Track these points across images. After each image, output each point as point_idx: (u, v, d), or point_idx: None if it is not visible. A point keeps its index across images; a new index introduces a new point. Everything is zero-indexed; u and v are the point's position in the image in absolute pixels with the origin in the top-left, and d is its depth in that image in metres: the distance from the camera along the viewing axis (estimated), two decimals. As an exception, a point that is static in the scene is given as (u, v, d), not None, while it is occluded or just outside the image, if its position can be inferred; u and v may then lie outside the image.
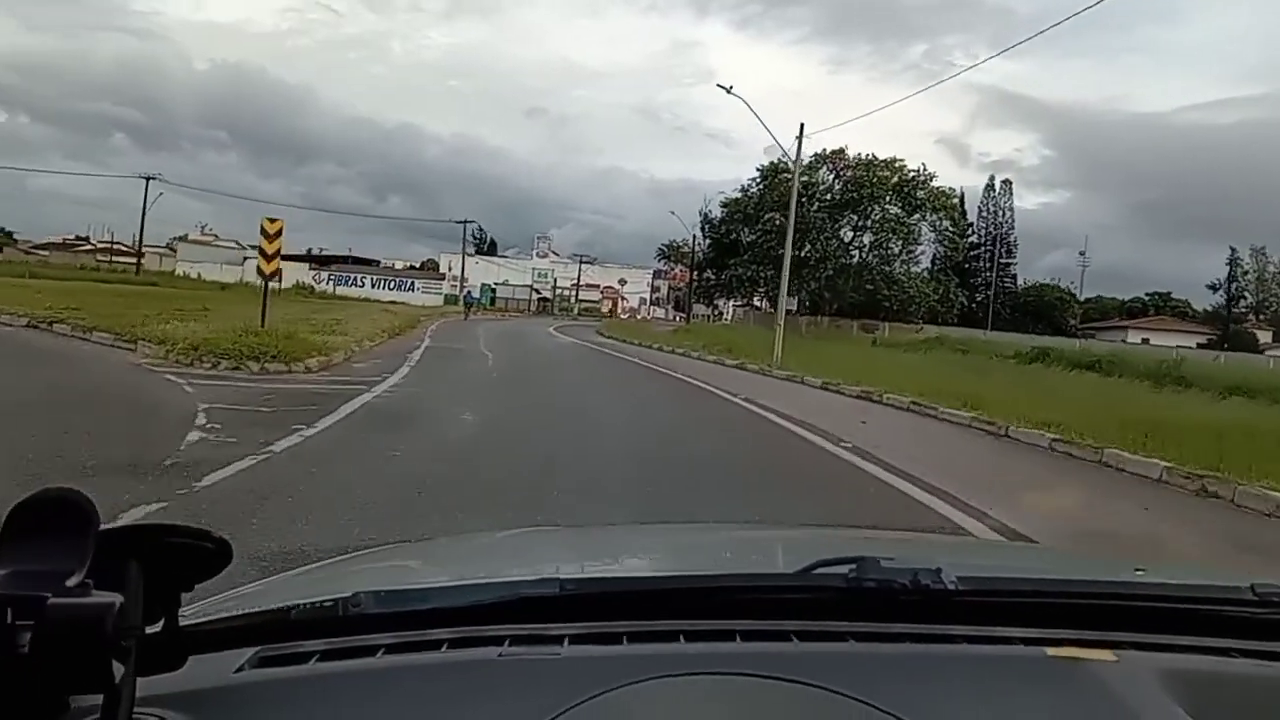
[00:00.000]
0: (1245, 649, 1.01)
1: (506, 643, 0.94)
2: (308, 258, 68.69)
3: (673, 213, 73.40)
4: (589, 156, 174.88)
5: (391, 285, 65.46)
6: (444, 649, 0.94)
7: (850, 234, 55.33)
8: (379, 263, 71.98)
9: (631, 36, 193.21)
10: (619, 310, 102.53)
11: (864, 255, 55.48)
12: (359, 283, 65.77)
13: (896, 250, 54.28)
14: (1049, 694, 0.91)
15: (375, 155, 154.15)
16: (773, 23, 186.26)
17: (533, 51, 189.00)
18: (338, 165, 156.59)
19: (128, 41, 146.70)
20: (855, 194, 53.76)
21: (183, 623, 0.88)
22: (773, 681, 0.86)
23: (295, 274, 64.28)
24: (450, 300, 63.88)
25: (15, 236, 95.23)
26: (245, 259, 67.02)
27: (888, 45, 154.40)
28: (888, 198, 53.01)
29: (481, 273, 78.36)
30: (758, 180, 56.70)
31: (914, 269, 55.88)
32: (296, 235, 72.29)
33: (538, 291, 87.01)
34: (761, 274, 54.97)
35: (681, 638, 0.96)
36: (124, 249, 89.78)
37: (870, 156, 54.09)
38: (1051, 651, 0.97)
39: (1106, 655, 0.96)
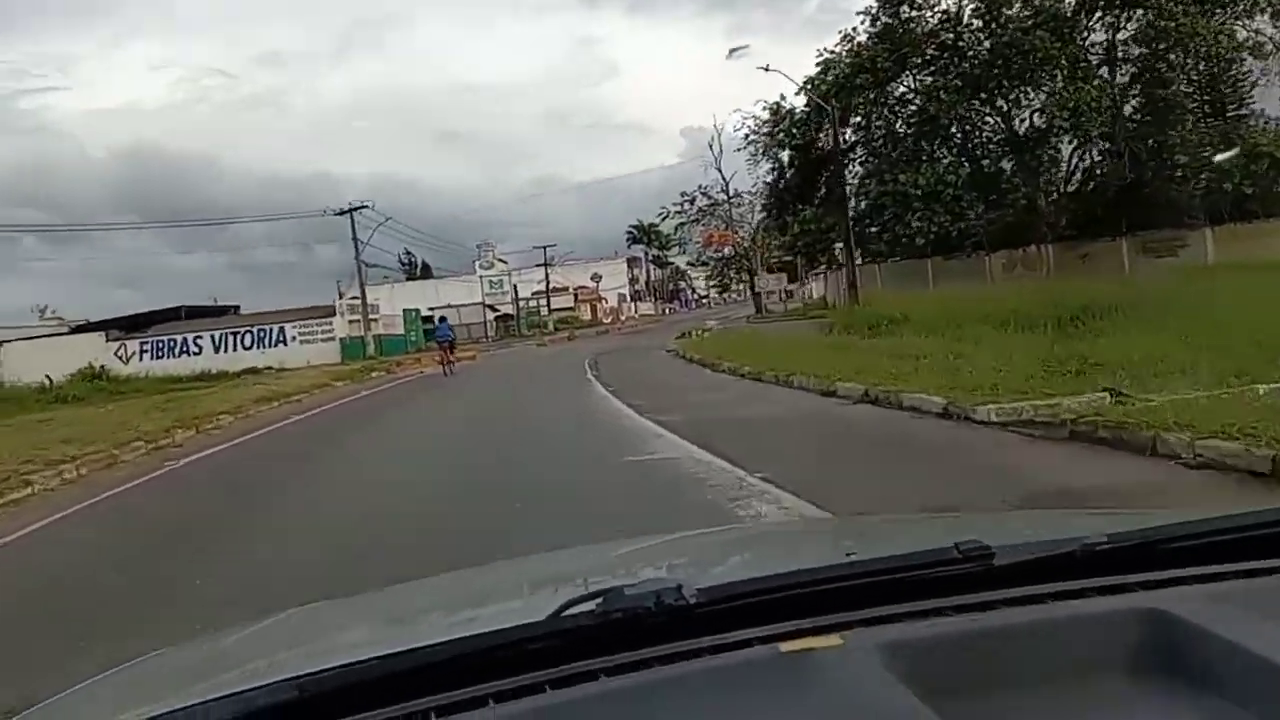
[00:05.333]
0: (958, 604, 1.04)
1: None
2: (105, 324, 40.97)
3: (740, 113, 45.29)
4: (508, 172, 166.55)
5: (248, 342, 38.01)
6: None
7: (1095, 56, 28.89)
8: (235, 309, 44.46)
9: (529, 44, 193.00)
10: (599, 313, 76.49)
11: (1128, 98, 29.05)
12: (191, 348, 38.19)
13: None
14: (785, 690, 0.93)
15: (295, 209, 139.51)
16: (664, 1, 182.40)
17: (432, 78, 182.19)
18: (259, 226, 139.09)
19: (17, 141, 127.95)
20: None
21: None
22: None
23: (87, 353, 36.76)
24: (352, 350, 36.57)
25: None
26: (1, 344, 39.19)
27: (781, 4, 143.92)
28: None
29: (415, 296, 51.77)
30: (862, 27, 30.38)
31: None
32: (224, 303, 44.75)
33: (494, 309, 60.16)
34: (920, 184, 28.60)
35: (432, 714, 0.92)
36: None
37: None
38: (784, 647, 0.98)
39: (833, 640, 0.98)
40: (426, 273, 75.27)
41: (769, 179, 37.04)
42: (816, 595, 1.07)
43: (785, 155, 33.76)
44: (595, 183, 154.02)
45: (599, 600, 1.02)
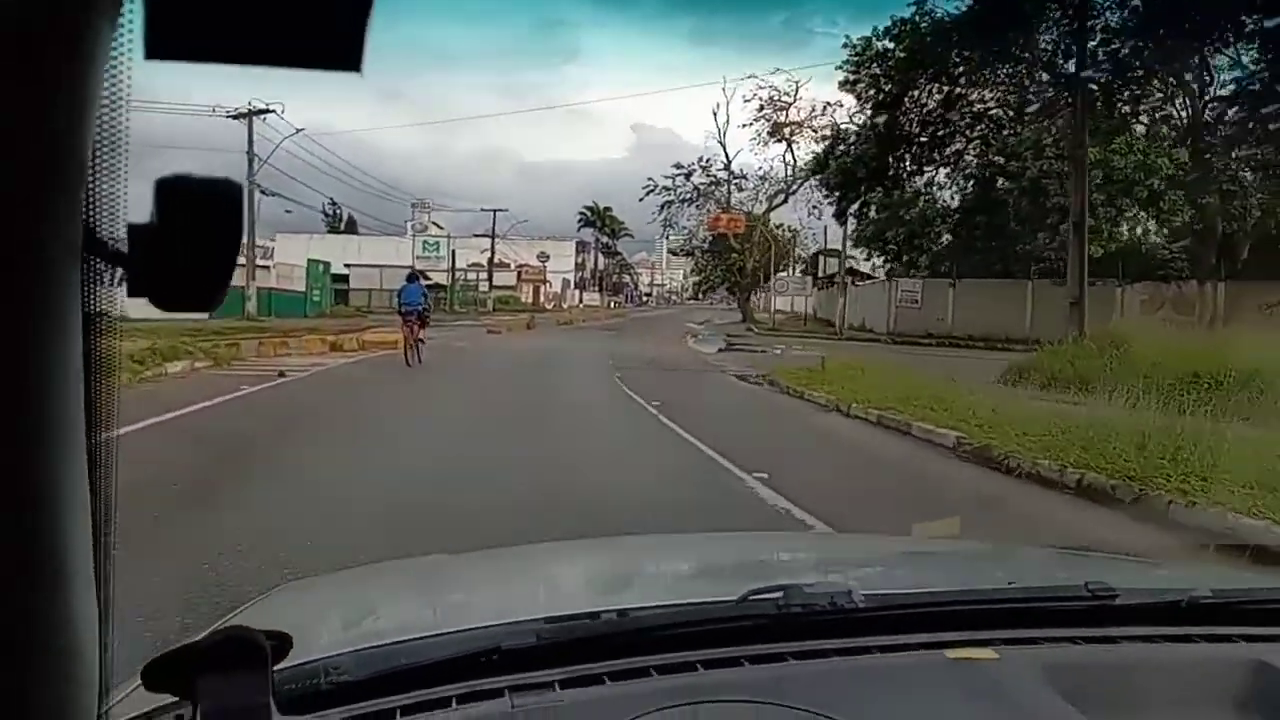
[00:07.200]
0: (1086, 636, 1.18)
1: (506, 694, 0.96)
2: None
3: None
4: (453, 142, 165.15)
5: None
6: (454, 706, 0.94)
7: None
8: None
9: (493, 16, 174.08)
10: (542, 297, 66.75)
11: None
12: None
13: None
14: (952, 691, 1.07)
15: (230, 147, 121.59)
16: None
17: (383, 35, 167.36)
18: (188, 161, 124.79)
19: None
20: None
21: None
22: (743, 705, 0.97)
23: None
24: (226, 307, 26.05)
25: None
26: None
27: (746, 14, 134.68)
28: None
29: (334, 251, 41.38)
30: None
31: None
32: None
33: (425, 276, 49.52)
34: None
35: (653, 672, 1.02)
36: None
37: None
38: (950, 654, 1.11)
39: (989, 653, 1.12)
40: (351, 229, 64.26)
41: (820, 149, 28.07)
42: (969, 613, 1.20)
43: (861, 116, 24.69)
44: (543, 164, 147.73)
45: (780, 594, 1.13)
